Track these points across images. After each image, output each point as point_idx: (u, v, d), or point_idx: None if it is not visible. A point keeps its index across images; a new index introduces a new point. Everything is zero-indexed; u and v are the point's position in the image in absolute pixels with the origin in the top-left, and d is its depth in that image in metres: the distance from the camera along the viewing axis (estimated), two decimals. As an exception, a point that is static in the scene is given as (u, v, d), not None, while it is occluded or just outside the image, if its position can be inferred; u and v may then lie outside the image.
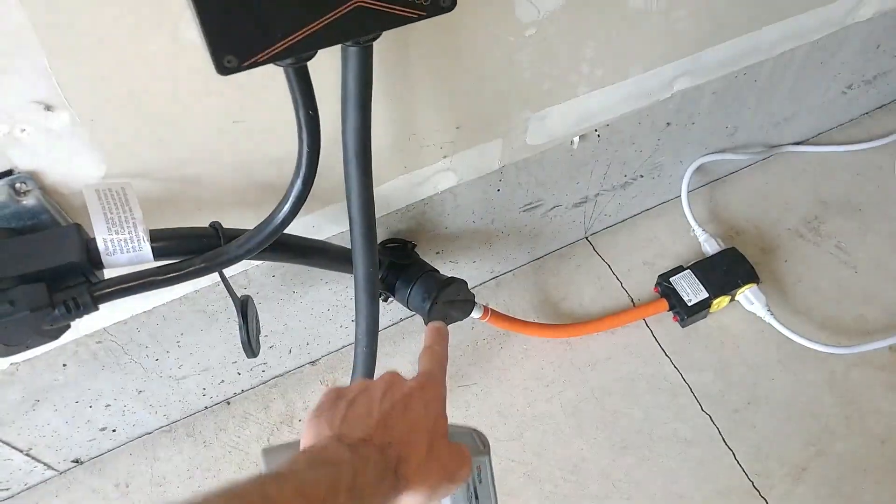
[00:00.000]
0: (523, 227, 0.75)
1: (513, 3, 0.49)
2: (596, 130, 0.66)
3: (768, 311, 0.74)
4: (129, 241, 0.43)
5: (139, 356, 0.62)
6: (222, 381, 0.72)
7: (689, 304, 0.74)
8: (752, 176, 0.86)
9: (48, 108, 0.40)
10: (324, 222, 0.58)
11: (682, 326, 0.76)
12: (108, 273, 0.44)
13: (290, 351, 0.73)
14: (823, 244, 0.81)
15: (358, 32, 0.35)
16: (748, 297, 0.75)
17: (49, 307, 0.41)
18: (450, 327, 0.66)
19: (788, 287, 0.78)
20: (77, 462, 0.71)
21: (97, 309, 0.43)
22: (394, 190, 0.59)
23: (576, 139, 0.66)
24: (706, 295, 0.74)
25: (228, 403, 0.74)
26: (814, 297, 0.77)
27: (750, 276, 0.75)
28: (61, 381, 0.59)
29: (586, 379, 0.73)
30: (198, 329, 0.63)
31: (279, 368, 0.75)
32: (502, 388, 0.73)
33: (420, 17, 0.36)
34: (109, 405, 0.66)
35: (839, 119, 0.89)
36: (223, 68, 0.33)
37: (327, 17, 0.33)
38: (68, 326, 0.44)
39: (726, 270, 0.76)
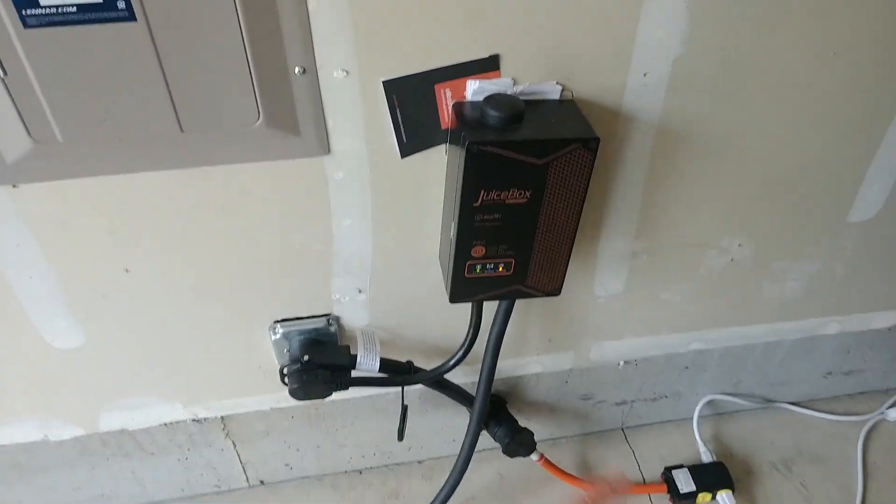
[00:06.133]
0: (578, 409, 1.13)
1: (593, 285, 0.91)
2: (635, 361, 1.05)
3: (736, 513, 1.05)
4: (371, 360, 0.85)
5: (330, 425, 1.03)
6: (363, 456, 1.11)
7: (681, 492, 1.06)
8: (749, 418, 1.20)
9: (360, 291, 0.84)
10: (460, 374, 0.98)
11: (674, 508, 1.08)
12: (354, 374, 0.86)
13: (410, 449, 1.12)
14: (792, 479, 1.12)
15: (513, 297, 0.77)
16: (724, 498, 1.06)
17: (331, 382, 0.83)
18: (514, 461, 1.03)
19: (757, 501, 1.09)
20: (262, 483, 1.10)
21: (347, 389, 0.85)
22: (504, 365, 0.99)
23: (621, 363, 1.05)
24: (694, 488, 1.06)
25: (360, 473, 1.12)
26: (774, 514, 1.07)
27: (727, 484, 1.07)
28: (286, 426, 1.01)
29: (598, 525, 1.06)
30: (366, 417, 1.03)
31: (398, 458, 1.13)
32: (540, 514, 1.07)
33: (542, 296, 0.77)
34: (298, 450, 1.06)
35: (824, 393, 1.22)
36: (454, 301, 0.75)
37: (501, 290, 0.75)
38: (330, 394, 0.85)
39: (712, 476, 1.08)
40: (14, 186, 0.64)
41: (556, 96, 0.68)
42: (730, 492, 1.07)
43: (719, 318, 1.00)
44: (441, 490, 0.98)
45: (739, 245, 0.89)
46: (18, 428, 0.88)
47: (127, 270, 0.74)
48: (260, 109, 0.62)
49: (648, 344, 1.02)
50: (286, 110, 0.63)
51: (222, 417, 0.96)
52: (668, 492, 1.08)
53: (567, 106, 0.68)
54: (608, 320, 0.96)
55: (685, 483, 1.07)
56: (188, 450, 1.00)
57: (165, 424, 0.94)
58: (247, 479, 1.08)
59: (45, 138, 0.59)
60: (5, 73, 0.55)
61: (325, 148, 0.67)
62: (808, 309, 1.02)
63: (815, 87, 0.73)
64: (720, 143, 0.76)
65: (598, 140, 0.63)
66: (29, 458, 0.93)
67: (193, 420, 0.95)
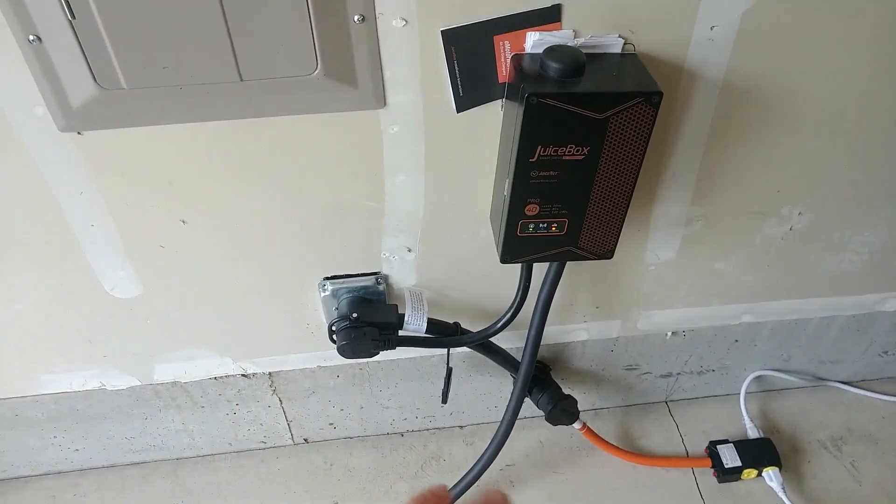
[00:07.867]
0: (622, 380, 1.11)
1: (644, 252, 0.89)
2: (683, 331, 1.03)
3: (783, 489, 1.03)
4: (419, 320, 0.85)
5: (374, 386, 1.04)
6: (405, 419, 1.11)
7: (726, 466, 1.05)
8: (799, 395, 1.17)
9: (409, 250, 0.84)
10: (505, 340, 0.98)
11: (718, 482, 1.06)
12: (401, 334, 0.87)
13: (451, 413, 1.12)
14: (842, 459, 1.09)
15: (565, 259, 0.77)
16: (770, 475, 1.04)
17: (378, 341, 0.83)
18: (556, 429, 1.03)
19: (805, 480, 1.06)
20: (306, 441, 1.12)
21: (394, 349, 0.85)
22: (549, 331, 0.98)
23: (669, 333, 1.03)
24: (739, 464, 1.05)
25: (402, 435, 1.14)
26: (822, 493, 1.05)
27: (774, 461, 1.05)
28: (331, 385, 1.02)
29: (642, 495, 1.05)
30: (410, 380, 1.04)
31: (440, 423, 1.13)
32: (582, 482, 1.06)
33: (594, 259, 0.76)
34: (342, 409, 1.07)
35: (878, 373, 1.19)
36: (504, 261, 0.75)
37: (553, 251, 0.74)
38: (377, 353, 0.86)
39: (759, 452, 1.06)
40: (79, 134, 0.65)
41: (618, 49, 0.66)
42: (777, 469, 1.05)
43: (773, 290, 0.98)
44: (484, 452, 0.98)
45: (800, 213, 0.86)
46: (78, 375, 0.91)
47: (184, 222, 0.75)
48: (318, 58, 0.62)
49: (698, 315, 1.00)
50: (344, 60, 0.63)
51: (270, 374, 0.97)
52: (713, 466, 1.07)
53: (629, 59, 0.66)
54: (658, 289, 0.94)
55: (730, 458, 1.06)
56: (236, 405, 1.02)
57: (216, 378, 0.96)
58: (291, 436, 1.10)
59: (110, 84, 0.60)
60: (73, 16, 0.55)
61: (381, 101, 0.67)
62: (868, 283, 0.99)
63: (892, 45, 0.70)
64: (786, 103, 0.73)
65: (661, 94, 0.61)
66: (87, 406, 0.97)
67: (242, 375, 0.96)
